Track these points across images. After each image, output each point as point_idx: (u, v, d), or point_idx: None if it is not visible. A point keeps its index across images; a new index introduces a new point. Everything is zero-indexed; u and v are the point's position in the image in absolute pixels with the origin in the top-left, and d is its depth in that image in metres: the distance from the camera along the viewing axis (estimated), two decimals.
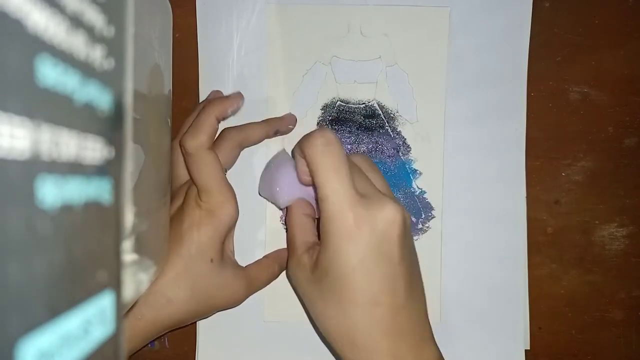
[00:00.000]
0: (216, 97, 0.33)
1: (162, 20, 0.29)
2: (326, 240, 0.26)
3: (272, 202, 0.33)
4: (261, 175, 0.33)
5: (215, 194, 0.29)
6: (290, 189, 0.30)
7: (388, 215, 0.25)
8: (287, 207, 0.31)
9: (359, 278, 0.25)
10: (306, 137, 0.27)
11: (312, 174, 0.26)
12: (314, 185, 0.27)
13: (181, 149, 0.30)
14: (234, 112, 0.32)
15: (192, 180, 0.30)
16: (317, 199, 0.26)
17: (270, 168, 0.32)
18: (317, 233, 0.30)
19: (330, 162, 0.25)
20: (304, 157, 0.27)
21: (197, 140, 0.29)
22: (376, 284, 0.25)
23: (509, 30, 0.35)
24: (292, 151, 0.30)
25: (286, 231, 0.32)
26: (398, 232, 0.25)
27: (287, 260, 0.30)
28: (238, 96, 0.32)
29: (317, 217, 0.30)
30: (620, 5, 0.35)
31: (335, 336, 0.26)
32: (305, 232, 0.29)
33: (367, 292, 0.25)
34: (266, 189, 0.32)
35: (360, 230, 0.25)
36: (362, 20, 0.35)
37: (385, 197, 0.26)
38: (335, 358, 0.30)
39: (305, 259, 0.28)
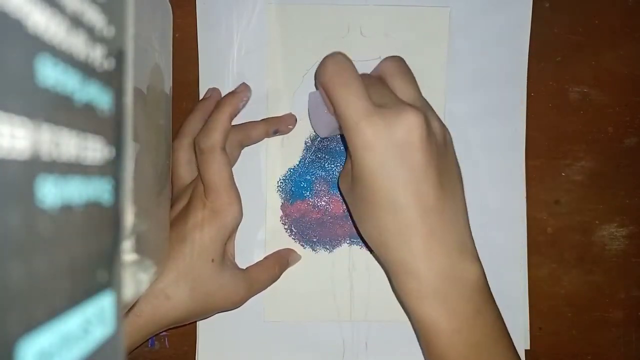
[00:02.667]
0: (226, 95, 0.33)
1: (162, 20, 0.29)
2: (351, 154, 0.26)
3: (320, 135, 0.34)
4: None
5: (222, 194, 0.29)
6: (326, 121, 0.31)
7: (406, 121, 0.25)
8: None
9: (381, 183, 0.25)
10: (319, 65, 0.27)
11: (328, 97, 0.26)
12: None
13: (194, 148, 0.31)
14: (244, 105, 0.33)
15: (201, 179, 0.30)
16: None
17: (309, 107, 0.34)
18: None
19: (341, 79, 0.26)
20: (320, 84, 0.27)
21: (211, 139, 0.29)
22: (400, 188, 0.25)
23: (509, 30, 0.35)
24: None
25: None
26: (418, 136, 0.25)
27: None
28: (245, 88, 0.33)
29: None
30: (620, 5, 0.35)
31: (371, 240, 0.27)
32: None
33: (391, 196, 0.25)
34: (311, 126, 0.34)
35: (378, 140, 0.24)
36: (362, 20, 0.35)
37: (402, 104, 0.26)
38: (377, 260, 0.33)
39: (348, 171, 0.29)
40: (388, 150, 0.25)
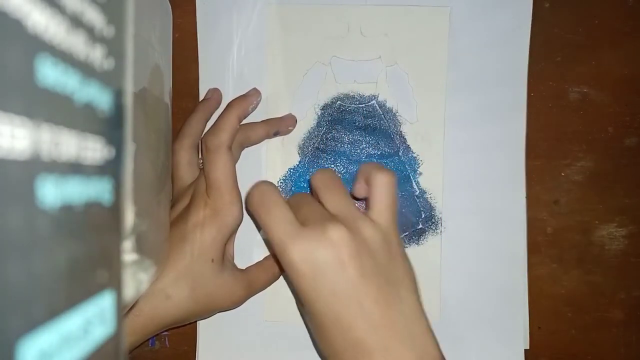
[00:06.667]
0: (237, 97, 0.34)
1: (162, 20, 0.29)
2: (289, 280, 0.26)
3: None
4: None
5: (224, 193, 0.30)
6: None
7: (329, 239, 0.24)
8: None
9: (320, 306, 0.24)
10: (247, 197, 0.28)
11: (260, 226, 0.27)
12: None
13: (201, 146, 0.31)
14: (253, 109, 0.34)
15: (205, 177, 0.30)
16: None
17: None
18: None
19: (264, 207, 0.26)
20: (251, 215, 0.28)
21: (219, 139, 0.30)
22: (340, 309, 0.24)
23: (509, 30, 0.35)
24: None
25: None
26: (347, 253, 0.24)
27: None
28: (256, 93, 0.34)
29: None
30: (620, 5, 0.35)
31: (329, 356, 0.26)
32: None
33: (334, 318, 0.24)
34: None
35: (305, 263, 0.24)
36: (362, 20, 0.35)
37: (324, 219, 0.25)
38: None
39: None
40: (318, 272, 0.24)
